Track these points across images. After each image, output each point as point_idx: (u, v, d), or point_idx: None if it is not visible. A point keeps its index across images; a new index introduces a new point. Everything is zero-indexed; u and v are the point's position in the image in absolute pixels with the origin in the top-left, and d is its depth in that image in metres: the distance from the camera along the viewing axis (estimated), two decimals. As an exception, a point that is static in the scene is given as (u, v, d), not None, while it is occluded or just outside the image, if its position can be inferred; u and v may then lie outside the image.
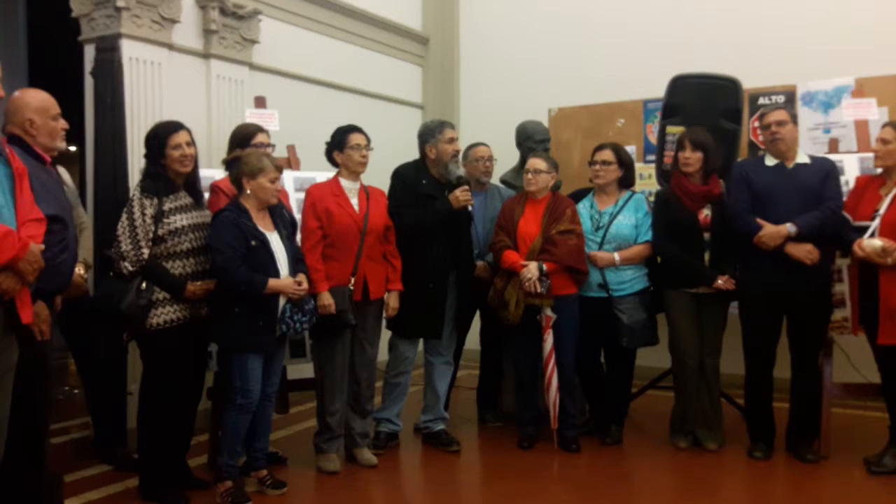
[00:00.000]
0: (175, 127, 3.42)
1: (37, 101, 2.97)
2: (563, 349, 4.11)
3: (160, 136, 3.39)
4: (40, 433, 2.83)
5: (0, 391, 2.39)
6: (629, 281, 4.18)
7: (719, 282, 3.98)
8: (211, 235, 3.39)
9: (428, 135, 4.19)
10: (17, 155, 2.50)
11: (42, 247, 2.36)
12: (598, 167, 4.23)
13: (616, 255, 4.15)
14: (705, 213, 4.07)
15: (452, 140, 4.16)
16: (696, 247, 4.05)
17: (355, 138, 3.89)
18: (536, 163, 4.18)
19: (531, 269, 3.97)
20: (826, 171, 3.89)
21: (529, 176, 4.15)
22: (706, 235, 4.06)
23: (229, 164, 3.56)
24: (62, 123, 3.05)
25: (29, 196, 2.40)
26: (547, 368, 4.12)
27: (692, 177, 4.08)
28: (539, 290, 3.97)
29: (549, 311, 4.05)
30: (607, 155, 4.24)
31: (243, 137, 3.87)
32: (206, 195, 3.69)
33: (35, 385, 2.67)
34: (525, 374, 4.29)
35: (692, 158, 4.04)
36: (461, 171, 4.22)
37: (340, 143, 3.90)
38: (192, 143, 3.43)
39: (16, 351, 2.44)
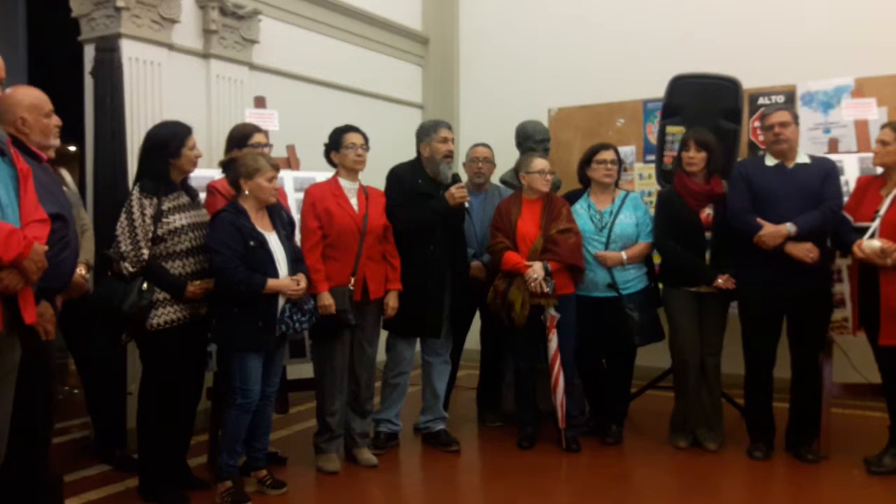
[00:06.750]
0: (189, 127, 3.44)
1: (28, 98, 2.91)
2: (563, 349, 4.11)
3: (180, 136, 3.38)
4: (42, 433, 2.83)
5: (2, 391, 2.39)
6: (633, 279, 4.20)
7: (719, 281, 3.98)
8: (209, 236, 3.39)
9: (423, 133, 4.21)
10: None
11: (46, 248, 2.35)
12: (608, 166, 4.24)
13: (624, 254, 4.16)
14: (707, 212, 4.07)
15: (446, 140, 4.15)
16: (698, 246, 4.05)
17: (350, 137, 3.89)
18: (544, 163, 4.18)
19: (536, 269, 3.97)
20: (826, 171, 3.89)
21: (547, 177, 4.15)
22: (708, 234, 4.06)
23: (226, 165, 3.54)
24: (55, 120, 3.01)
25: (33, 196, 2.39)
26: (553, 369, 4.11)
27: (695, 176, 4.08)
28: (545, 290, 3.97)
29: (552, 311, 4.05)
30: (613, 154, 4.28)
31: (241, 138, 3.86)
32: (203, 195, 3.69)
33: (37, 385, 2.67)
34: (525, 374, 4.29)
35: (696, 158, 4.05)
36: (451, 172, 4.21)
37: (336, 143, 3.91)
38: None
39: (18, 351, 2.43)
